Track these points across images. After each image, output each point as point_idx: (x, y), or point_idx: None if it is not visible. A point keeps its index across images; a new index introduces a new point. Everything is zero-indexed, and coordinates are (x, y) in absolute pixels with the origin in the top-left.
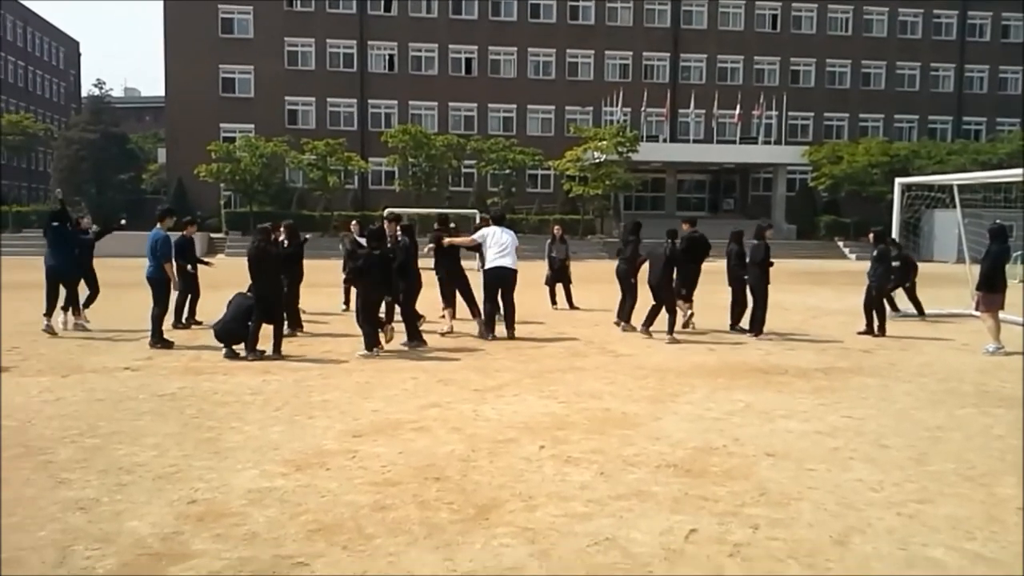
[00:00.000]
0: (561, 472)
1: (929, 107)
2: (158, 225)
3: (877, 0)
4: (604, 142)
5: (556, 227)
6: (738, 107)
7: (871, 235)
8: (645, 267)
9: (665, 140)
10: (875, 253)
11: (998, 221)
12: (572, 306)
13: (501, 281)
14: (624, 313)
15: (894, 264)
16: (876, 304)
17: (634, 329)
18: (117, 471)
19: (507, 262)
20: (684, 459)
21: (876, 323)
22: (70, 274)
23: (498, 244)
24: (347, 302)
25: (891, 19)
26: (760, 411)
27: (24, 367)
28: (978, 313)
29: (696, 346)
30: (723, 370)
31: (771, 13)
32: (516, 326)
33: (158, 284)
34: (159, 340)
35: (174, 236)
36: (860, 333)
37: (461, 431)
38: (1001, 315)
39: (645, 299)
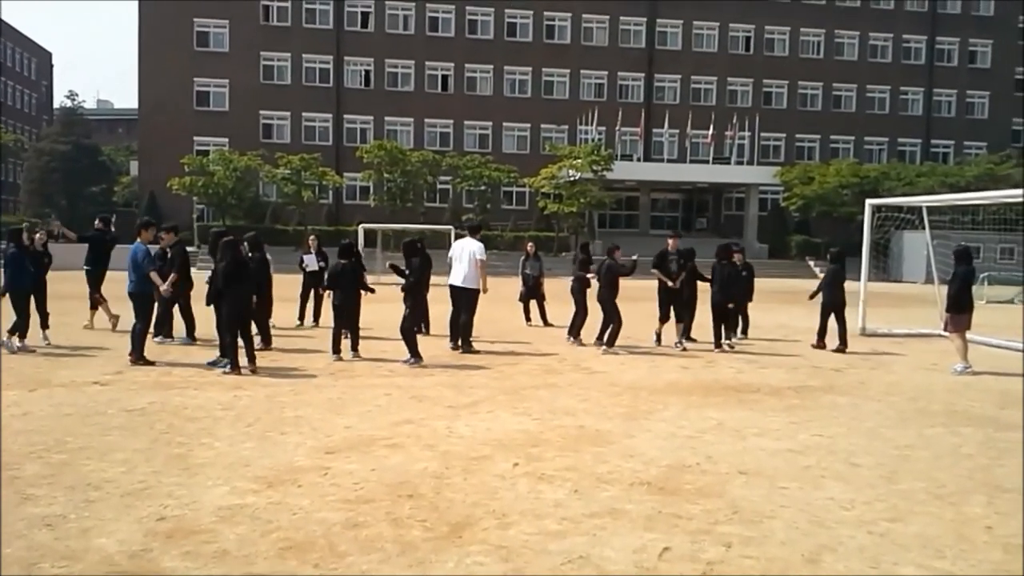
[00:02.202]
0: (535, 490)
1: (898, 130)
2: (138, 239)
3: (848, 24)
4: (579, 160)
5: (530, 244)
6: (711, 127)
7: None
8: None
9: (639, 159)
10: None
11: (962, 243)
12: (546, 323)
13: (452, 297)
14: (574, 328)
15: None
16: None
17: (582, 344)
18: (85, 487)
19: (454, 279)
20: (657, 477)
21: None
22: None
23: (455, 260)
24: (301, 317)
25: (862, 43)
26: (732, 429)
27: None
28: (947, 333)
29: (669, 364)
30: (696, 388)
31: (744, 35)
32: (489, 344)
33: (140, 299)
34: (140, 357)
35: (153, 248)
36: (835, 350)
37: (435, 448)
38: (985, 337)
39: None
